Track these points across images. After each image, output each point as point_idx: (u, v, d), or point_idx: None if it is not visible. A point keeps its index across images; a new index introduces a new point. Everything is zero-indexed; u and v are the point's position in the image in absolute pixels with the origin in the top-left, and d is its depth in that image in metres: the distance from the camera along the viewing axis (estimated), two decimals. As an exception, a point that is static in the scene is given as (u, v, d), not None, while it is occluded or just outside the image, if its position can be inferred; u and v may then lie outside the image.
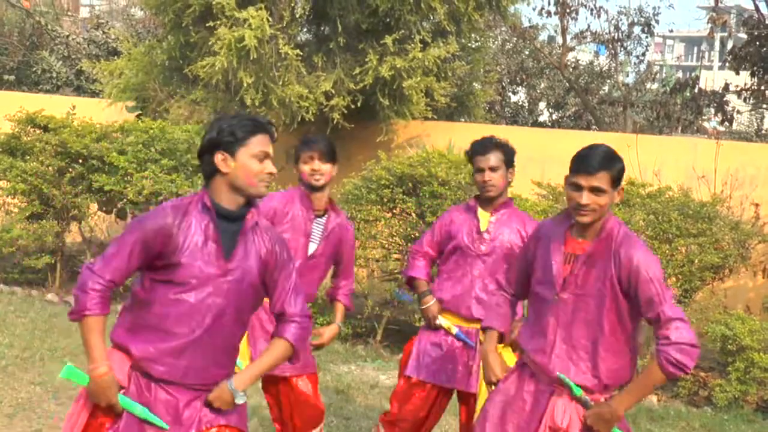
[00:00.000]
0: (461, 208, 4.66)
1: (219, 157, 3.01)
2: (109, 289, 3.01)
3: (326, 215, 4.45)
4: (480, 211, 4.52)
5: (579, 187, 3.24)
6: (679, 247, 7.34)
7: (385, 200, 7.98)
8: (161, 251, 2.97)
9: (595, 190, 3.23)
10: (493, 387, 3.70)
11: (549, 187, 8.03)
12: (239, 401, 3.09)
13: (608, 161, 3.26)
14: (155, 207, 3.14)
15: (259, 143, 3.04)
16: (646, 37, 15.60)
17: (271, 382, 4.46)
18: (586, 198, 3.22)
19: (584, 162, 3.25)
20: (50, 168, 8.93)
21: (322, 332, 4.56)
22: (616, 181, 3.28)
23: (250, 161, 3.01)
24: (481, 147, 4.46)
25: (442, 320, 4.57)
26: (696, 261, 7.26)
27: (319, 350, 4.65)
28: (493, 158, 4.41)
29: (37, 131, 9.31)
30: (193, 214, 3.02)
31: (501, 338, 3.77)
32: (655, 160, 8.79)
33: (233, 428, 3.13)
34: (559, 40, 15.60)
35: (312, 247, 4.41)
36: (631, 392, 3.26)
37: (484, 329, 3.77)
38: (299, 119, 9.37)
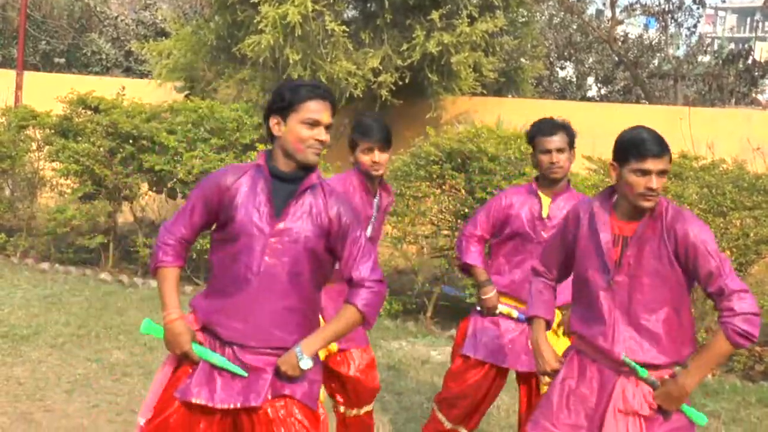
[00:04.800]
0: (521, 190, 4.51)
1: (273, 122, 3.09)
2: (181, 244, 3.19)
3: (378, 195, 4.43)
4: (542, 196, 4.40)
5: (646, 172, 3.17)
6: (734, 221, 7.21)
7: (434, 176, 7.95)
8: (219, 206, 3.09)
9: (662, 173, 3.19)
10: (547, 378, 3.62)
11: (600, 161, 7.93)
12: (304, 366, 3.02)
13: (665, 142, 3.21)
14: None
15: (310, 109, 3.05)
16: (698, 9, 15.32)
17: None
18: (656, 182, 3.16)
19: (648, 146, 3.17)
20: (101, 149, 9.05)
21: None
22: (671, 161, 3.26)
23: (299, 127, 3.04)
24: (548, 128, 4.33)
25: (502, 307, 4.47)
26: (751, 234, 7.12)
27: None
28: (559, 139, 4.29)
29: (88, 112, 9.45)
30: (249, 173, 3.12)
31: (547, 325, 3.72)
32: (708, 133, 8.61)
33: (299, 402, 3.07)
34: (608, 13, 15.39)
35: (369, 230, 4.39)
36: (699, 367, 3.19)
37: (530, 318, 3.69)
38: (347, 96, 9.35)
